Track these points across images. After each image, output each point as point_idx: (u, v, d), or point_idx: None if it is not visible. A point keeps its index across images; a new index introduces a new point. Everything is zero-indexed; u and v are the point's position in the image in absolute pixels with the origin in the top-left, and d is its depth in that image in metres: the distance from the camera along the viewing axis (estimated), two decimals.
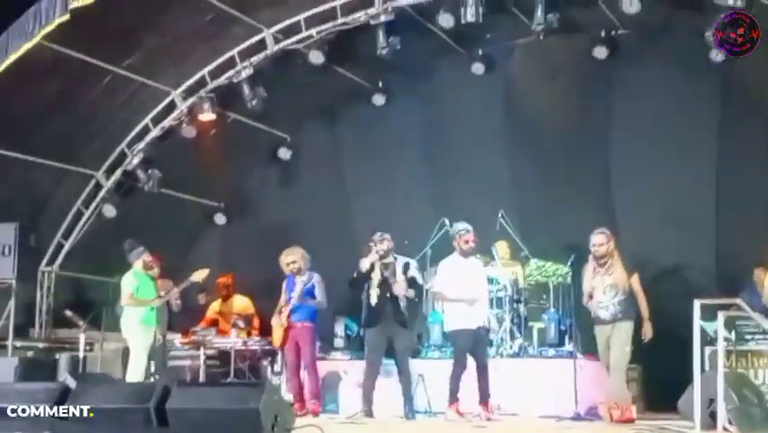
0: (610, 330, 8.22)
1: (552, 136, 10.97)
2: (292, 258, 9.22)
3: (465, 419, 8.34)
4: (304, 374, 9.20)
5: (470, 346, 8.55)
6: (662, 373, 9.12)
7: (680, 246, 10.30)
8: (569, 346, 9.37)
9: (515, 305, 9.79)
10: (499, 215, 10.00)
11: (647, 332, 8.20)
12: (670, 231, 10.32)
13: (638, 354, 9.72)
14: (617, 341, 8.18)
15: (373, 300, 8.59)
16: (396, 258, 8.74)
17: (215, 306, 11.12)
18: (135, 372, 8.76)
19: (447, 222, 10.07)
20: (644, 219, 10.51)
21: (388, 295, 8.52)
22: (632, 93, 10.65)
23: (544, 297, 10.04)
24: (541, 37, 10.01)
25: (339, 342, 10.76)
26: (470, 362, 8.55)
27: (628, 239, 10.48)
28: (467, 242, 8.69)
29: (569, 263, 9.47)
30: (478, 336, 8.57)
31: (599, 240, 8.36)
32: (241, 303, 11.06)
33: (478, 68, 11.29)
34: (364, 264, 8.64)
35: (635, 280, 8.29)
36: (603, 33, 10.52)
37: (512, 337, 9.71)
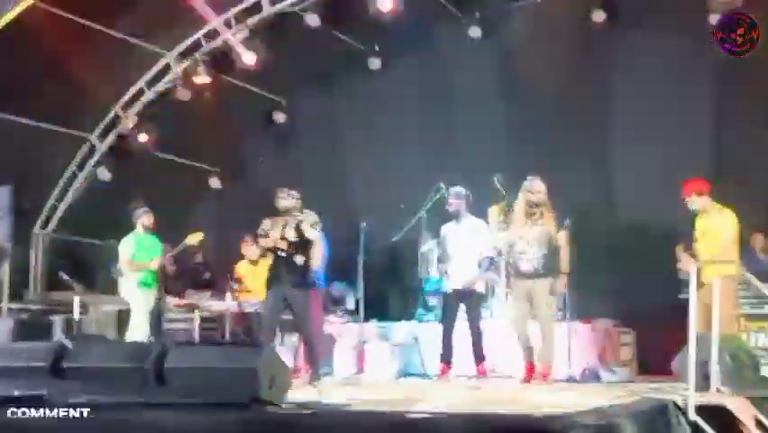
0: (531, 285, 8.05)
1: (549, 100, 10.92)
2: None
3: (447, 381, 8.34)
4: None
5: (449, 308, 8.56)
6: (655, 336, 9.15)
7: (677, 210, 10.28)
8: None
9: (509, 269, 9.78)
10: (495, 180, 9.98)
11: (558, 288, 8.10)
12: (667, 194, 10.28)
13: (632, 318, 9.82)
14: (542, 300, 8.02)
15: (270, 261, 8.22)
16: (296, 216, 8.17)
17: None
18: (135, 334, 8.76)
19: (443, 186, 10.05)
20: (641, 183, 10.50)
21: (284, 255, 8.06)
22: (630, 56, 10.59)
23: None
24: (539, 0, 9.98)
25: (332, 305, 10.79)
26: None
27: (625, 203, 10.56)
28: (449, 204, 8.71)
29: (564, 226, 9.45)
30: (459, 297, 8.53)
31: (539, 186, 8.14)
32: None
33: (475, 31, 11.22)
34: (263, 224, 8.26)
35: (563, 237, 8.15)
36: None
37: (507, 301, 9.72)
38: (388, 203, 10.94)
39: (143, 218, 9.12)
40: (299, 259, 8.01)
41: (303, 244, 8.04)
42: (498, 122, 11.32)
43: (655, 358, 8.74)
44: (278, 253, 8.06)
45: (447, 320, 8.58)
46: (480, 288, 8.61)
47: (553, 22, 10.58)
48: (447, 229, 8.81)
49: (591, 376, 8.71)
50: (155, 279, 9.11)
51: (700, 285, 7.49)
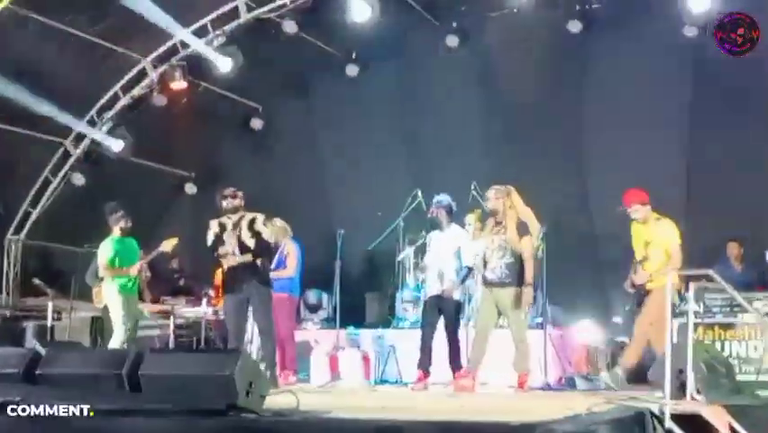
0: (498, 294, 8.03)
1: (525, 109, 10.99)
2: None
3: (424, 388, 8.29)
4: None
5: (428, 315, 8.53)
6: None
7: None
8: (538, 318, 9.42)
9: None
10: (471, 187, 10.00)
11: (525, 299, 7.98)
12: None
13: (608, 326, 9.87)
14: (510, 310, 8.00)
15: (226, 264, 8.03)
16: (244, 215, 8.06)
17: None
18: (116, 340, 8.59)
19: (420, 193, 10.07)
20: (615, 192, 10.52)
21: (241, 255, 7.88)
22: (605, 67, 10.68)
23: None
24: (516, 9, 10.03)
25: (308, 312, 10.80)
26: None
27: (600, 212, 10.60)
28: (430, 212, 8.69)
29: (540, 236, 9.49)
30: (437, 305, 8.48)
31: (488, 195, 8.23)
32: None
33: (452, 40, 11.26)
34: (213, 226, 8.06)
35: (527, 244, 8.08)
36: (577, 7, 10.53)
37: None
38: (365, 210, 10.94)
39: (121, 222, 8.94)
40: (257, 259, 7.88)
41: (259, 243, 7.91)
42: (476, 129, 11.37)
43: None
44: (234, 254, 7.89)
45: (425, 328, 8.56)
46: (457, 296, 8.58)
47: (530, 31, 10.64)
48: (431, 237, 8.79)
49: (567, 384, 8.73)
50: (136, 284, 8.95)
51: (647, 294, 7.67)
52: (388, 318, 10.40)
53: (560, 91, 10.96)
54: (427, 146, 11.54)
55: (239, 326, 8.07)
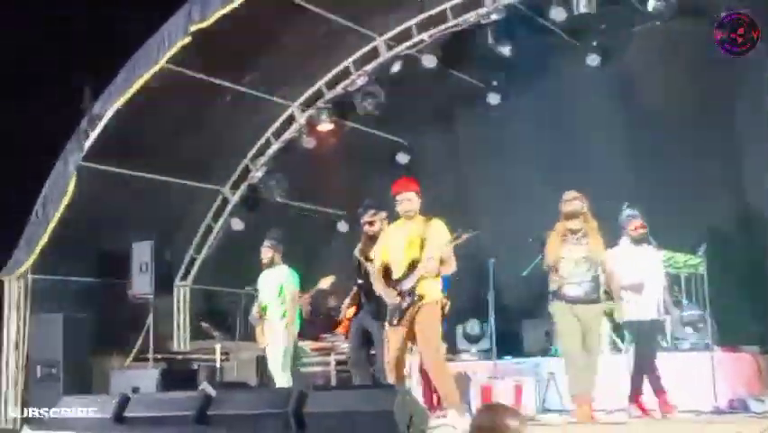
0: (581, 311, 7.39)
1: (674, 123, 10.66)
2: None
3: (648, 416, 7.83)
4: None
5: (644, 338, 7.96)
6: None
7: None
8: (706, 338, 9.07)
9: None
10: (623, 207, 9.77)
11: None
12: None
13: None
14: (596, 327, 7.46)
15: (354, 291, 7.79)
16: None
17: None
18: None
19: None
20: None
21: (362, 282, 7.62)
22: (758, 71, 10.23)
23: (676, 288, 9.76)
24: (657, 22, 9.80)
25: (463, 343, 10.82)
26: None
27: (763, 226, 10.14)
28: (635, 228, 8.15)
29: (699, 252, 9.17)
30: (650, 327, 8.06)
31: (569, 195, 7.64)
32: None
33: (593, 59, 11.11)
34: (356, 251, 7.78)
35: (611, 257, 7.62)
36: (724, 14, 10.14)
37: None
38: (515, 237, 10.85)
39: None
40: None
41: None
42: (622, 148, 11.10)
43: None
44: (359, 282, 7.65)
45: (641, 348, 7.99)
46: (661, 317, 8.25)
47: (675, 43, 10.36)
48: (624, 253, 8.05)
49: (740, 407, 8.35)
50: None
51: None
52: (546, 346, 10.26)
53: (711, 101, 10.57)
54: (575, 169, 11.34)
55: (357, 358, 7.84)
